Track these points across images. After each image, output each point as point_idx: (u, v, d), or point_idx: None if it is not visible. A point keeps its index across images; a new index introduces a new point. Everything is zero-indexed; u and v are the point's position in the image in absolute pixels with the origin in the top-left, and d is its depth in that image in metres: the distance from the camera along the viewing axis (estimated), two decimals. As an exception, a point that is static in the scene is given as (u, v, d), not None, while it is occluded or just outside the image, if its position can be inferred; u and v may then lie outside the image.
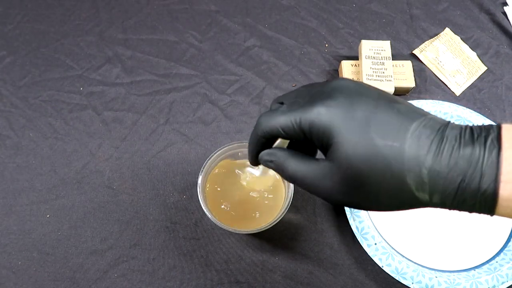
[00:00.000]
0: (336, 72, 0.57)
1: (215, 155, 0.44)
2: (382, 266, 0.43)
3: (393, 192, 0.25)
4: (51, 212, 0.49)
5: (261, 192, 0.44)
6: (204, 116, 0.54)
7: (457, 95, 0.56)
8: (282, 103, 0.30)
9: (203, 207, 0.42)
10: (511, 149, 0.22)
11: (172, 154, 0.52)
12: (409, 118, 0.25)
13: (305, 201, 0.49)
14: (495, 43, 0.60)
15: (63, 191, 0.50)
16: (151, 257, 0.46)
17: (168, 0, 0.62)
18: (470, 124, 0.25)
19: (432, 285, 0.43)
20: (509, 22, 0.61)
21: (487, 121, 0.51)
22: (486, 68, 0.58)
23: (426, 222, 0.47)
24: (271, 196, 0.44)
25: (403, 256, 0.45)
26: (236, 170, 0.45)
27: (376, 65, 0.54)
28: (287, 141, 0.31)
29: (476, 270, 0.44)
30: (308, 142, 0.28)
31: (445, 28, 0.61)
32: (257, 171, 0.41)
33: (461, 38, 0.60)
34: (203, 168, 0.43)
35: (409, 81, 0.55)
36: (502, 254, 0.45)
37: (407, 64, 0.56)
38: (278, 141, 0.31)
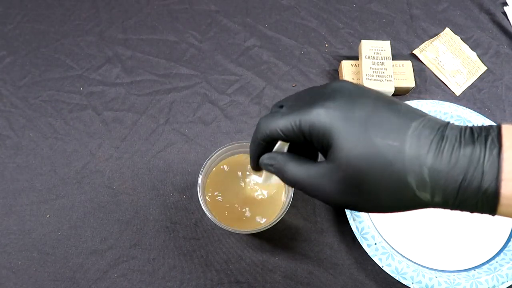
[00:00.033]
0: (336, 72, 0.57)
1: (215, 155, 0.44)
2: (382, 266, 0.43)
3: (394, 191, 0.25)
4: (51, 212, 0.49)
5: (261, 192, 0.44)
6: (204, 116, 0.54)
7: (457, 95, 0.56)
8: (282, 107, 0.30)
9: (203, 207, 0.42)
10: (511, 148, 0.22)
11: (172, 154, 0.52)
12: (408, 118, 0.25)
13: (305, 201, 0.49)
14: (495, 43, 0.60)
15: (63, 191, 0.50)
16: (151, 257, 0.46)
17: (168, 0, 0.62)
18: (470, 124, 0.25)
19: (432, 285, 0.43)
20: (509, 22, 0.61)
21: (487, 121, 0.51)
22: (486, 68, 0.58)
23: (426, 222, 0.47)
24: (271, 196, 0.44)
25: (403, 256, 0.45)
26: (238, 172, 0.45)
27: (376, 65, 0.54)
28: (287, 144, 0.31)
29: (476, 270, 0.44)
30: (308, 145, 0.28)
31: (445, 28, 0.61)
32: (260, 178, 0.40)
33: (461, 38, 0.60)
34: (203, 168, 0.43)
35: (409, 81, 0.55)
36: (502, 254, 0.45)
37: (407, 64, 0.56)
38: (278, 144, 0.31)
